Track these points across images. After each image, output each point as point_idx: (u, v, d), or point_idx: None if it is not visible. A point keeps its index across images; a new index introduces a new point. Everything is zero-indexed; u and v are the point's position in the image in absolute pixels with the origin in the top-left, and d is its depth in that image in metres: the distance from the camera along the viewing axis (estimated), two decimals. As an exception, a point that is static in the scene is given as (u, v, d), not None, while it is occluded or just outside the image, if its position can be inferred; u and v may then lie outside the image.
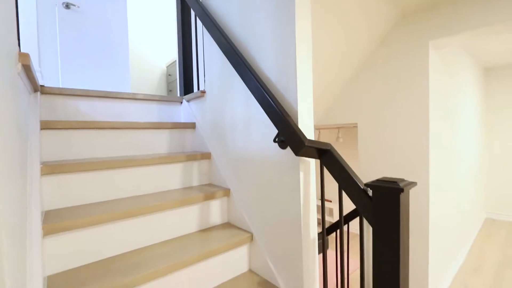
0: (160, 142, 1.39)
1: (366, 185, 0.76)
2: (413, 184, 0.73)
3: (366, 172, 2.05)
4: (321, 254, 1.12)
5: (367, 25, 1.70)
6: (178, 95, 1.72)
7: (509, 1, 1.41)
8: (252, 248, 1.19)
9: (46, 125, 1.10)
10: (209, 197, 1.21)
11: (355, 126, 2.33)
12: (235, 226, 1.25)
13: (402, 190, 0.67)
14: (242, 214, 1.22)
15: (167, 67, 3.31)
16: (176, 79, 1.82)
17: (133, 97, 1.45)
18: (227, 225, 1.28)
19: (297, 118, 0.97)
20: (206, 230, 1.21)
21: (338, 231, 1.56)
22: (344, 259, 2.75)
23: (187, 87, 1.63)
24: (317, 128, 2.97)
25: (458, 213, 2.44)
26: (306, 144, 0.88)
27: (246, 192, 1.20)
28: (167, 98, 1.55)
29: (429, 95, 1.68)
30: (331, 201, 3.79)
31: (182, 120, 1.62)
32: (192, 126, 1.47)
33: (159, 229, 1.08)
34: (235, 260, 1.15)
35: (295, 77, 0.96)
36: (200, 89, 1.46)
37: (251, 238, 1.18)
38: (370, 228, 0.86)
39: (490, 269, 2.28)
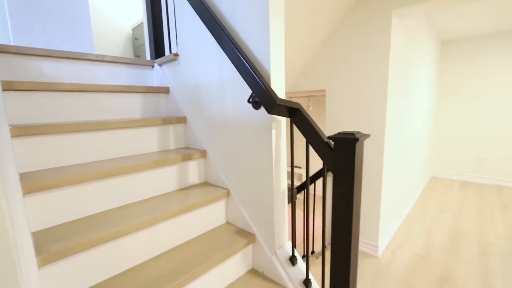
0: (133, 106, 1.38)
1: (329, 138, 0.87)
2: (367, 135, 0.86)
3: (331, 133, 2.23)
4: (291, 204, 1.26)
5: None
6: (149, 58, 1.66)
7: None
8: (229, 202, 1.30)
9: (7, 86, 1.04)
10: (186, 158, 1.26)
11: (323, 94, 2.44)
12: (212, 184, 1.34)
13: (357, 139, 0.79)
14: (218, 173, 1.31)
15: (132, 29, 3.07)
16: (145, 43, 1.72)
17: (101, 59, 1.38)
18: (205, 184, 1.36)
19: (269, 79, 1.03)
20: (185, 189, 1.28)
21: (305, 191, 1.73)
22: (310, 208, 3.05)
23: (158, 50, 1.58)
24: (289, 96, 3.06)
25: (408, 171, 2.78)
26: (277, 102, 0.95)
27: (222, 153, 1.27)
28: (137, 61, 1.50)
29: (389, 62, 1.82)
30: (300, 167, 4.05)
31: (155, 85, 1.60)
32: (166, 90, 1.47)
33: (139, 188, 1.13)
34: (213, 214, 1.25)
35: (268, 40, 1.00)
36: (173, 52, 1.43)
37: (228, 193, 1.28)
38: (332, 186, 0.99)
39: (429, 217, 2.70)
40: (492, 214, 2.74)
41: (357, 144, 0.81)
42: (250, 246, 1.22)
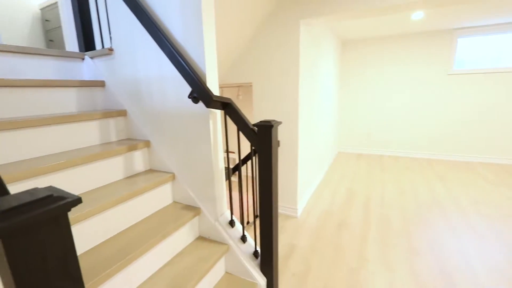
0: (68, 101, 1.38)
1: (253, 125, 1.19)
2: (279, 122, 1.21)
3: (258, 119, 2.60)
4: (228, 181, 1.56)
5: (255, 2, 2.03)
6: (77, 50, 1.62)
7: None
8: (175, 184, 1.50)
9: None
10: (131, 148, 1.39)
11: (251, 85, 2.78)
12: (158, 171, 1.51)
13: (272, 126, 1.12)
14: (163, 160, 1.48)
15: (42, 9, 2.67)
16: (61, 26, 1.61)
17: (22, 51, 1.32)
18: (150, 171, 1.51)
19: (205, 79, 1.26)
20: (132, 177, 1.41)
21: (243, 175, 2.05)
22: (243, 185, 3.44)
23: (88, 43, 1.57)
24: (220, 87, 3.28)
25: (319, 147, 3.45)
26: (214, 98, 1.20)
27: (166, 142, 1.45)
28: (66, 54, 1.46)
29: (299, 60, 2.26)
30: (234, 152, 4.39)
31: (86, 78, 1.59)
32: (101, 84, 1.51)
33: (86, 180, 1.21)
34: (161, 195, 1.44)
35: (203, 46, 1.22)
36: (106, 46, 1.47)
37: (173, 177, 1.48)
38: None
39: (333, 183, 3.47)
40: (374, 176, 3.70)
41: (273, 129, 1.15)
42: (197, 217, 1.47)
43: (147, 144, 1.48)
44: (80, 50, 1.59)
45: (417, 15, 3.05)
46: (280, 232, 2.35)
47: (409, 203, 2.81)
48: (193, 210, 1.43)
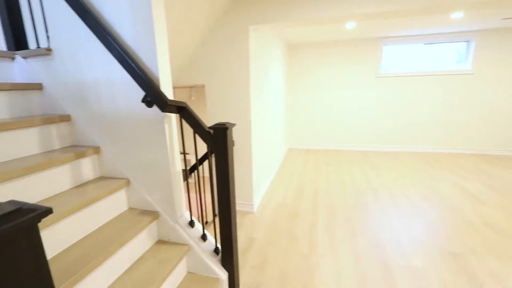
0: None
1: (209, 128, 1.25)
2: (233, 124, 1.29)
3: (213, 122, 2.65)
4: (185, 182, 1.58)
5: (207, 5, 2.07)
6: (6, 48, 1.44)
7: (307, 5, 2.19)
8: (130, 190, 1.46)
9: None
10: (79, 155, 1.32)
11: (204, 87, 2.80)
12: (110, 177, 1.45)
13: (227, 128, 1.21)
14: (116, 166, 1.43)
15: None
16: None
17: None
18: (101, 178, 1.45)
19: (159, 82, 1.27)
20: (81, 186, 1.34)
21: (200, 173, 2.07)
22: (201, 186, 3.44)
23: (19, 41, 1.42)
24: (173, 87, 3.21)
25: (271, 146, 3.65)
26: (168, 103, 1.23)
27: (119, 147, 1.41)
28: (-8, 53, 1.30)
29: (249, 63, 2.38)
30: (188, 154, 4.33)
31: (18, 80, 1.43)
32: (38, 87, 1.37)
33: (28, 193, 1.12)
34: (115, 203, 1.39)
35: (155, 49, 1.23)
36: (43, 46, 1.35)
37: (128, 183, 1.45)
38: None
39: (286, 178, 3.72)
40: (320, 169, 4.08)
41: (228, 131, 1.23)
42: (155, 222, 1.47)
43: (96, 150, 1.42)
44: (9, 48, 1.42)
45: (350, 25, 3.46)
46: (238, 227, 2.45)
47: (349, 191, 3.19)
48: (151, 214, 1.43)
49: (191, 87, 3.69)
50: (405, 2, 1.96)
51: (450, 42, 4.33)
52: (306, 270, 1.85)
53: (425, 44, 4.41)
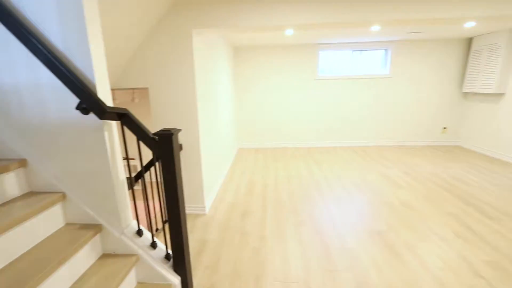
0: None
1: (154, 134, 1.25)
2: (179, 130, 1.32)
3: (159, 125, 2.57)
4: (131, 190, 1.54)
5: (146, 6, 2.00)
6: None
7: (248, 13, 2.27)
8: (66, 204, 1.36)
9: None
10: (1, 170, 1.17)
11: (147, 89, 2.68)
12: (41, 192, 1.32)
13: (173, 134, 1.23)
14: (48, 179, 1.31)
15: None
16: None
17: None
18: (31, 193, 1.31)
19: (95, 89, 1.22)
20: (5, 204, 1.20)
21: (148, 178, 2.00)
22: (148, 192, 3.30)
23: None
24: (112, 89, 2.97)
25: (221, 146, 3.71)
26: (107, 110, 1.18)
27: (51, 158, 1.29)
28: None
29: (194, 66, 2.39)
30: (134, 159, 4.08)
31: None
32: None
33: None
34: (49, 219, 1.28)
35: (89, 53, 1.17)
36: None
37: (63, 197, 1.34)
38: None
39: (237, 176, 3.82)
40: (269, 166, 4.30)
41: (173, 137, 1.25)
42: (98, 235, 1.39)
43: (22, 163, 1.28)
44: None
45: (289, 32, 3.73)
46: (191, 230, 2.44)
47: (296, 185, 3.46)
48: (93, 228, 1.35)
49: (133, 89, 3.49)
50: (331, 16, 2.23)
51: (372, 50, 5.00)
52: (258, 263, 1.97)
53: (353, 51, 5.01)
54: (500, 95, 4.28)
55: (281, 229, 2.43)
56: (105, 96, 1.28)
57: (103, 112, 1.17)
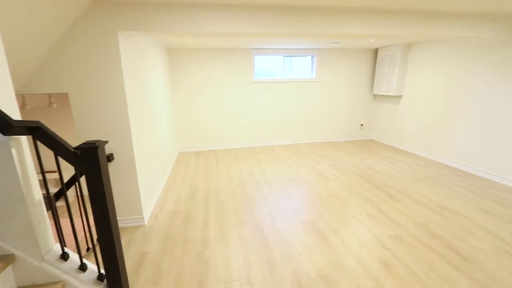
0: None
1: (75, 148, 1.16)
2: (105, 142, 1.25)
3: (85, 135, 2.32)
4: (52, 209, 1.38)
5: (60, 4, 1.79)
6: None
7: (177, 18, 2.22)
8: (-39, 236, 1.14)
9: None
10: None
11: (67, 95, 2.36)
12: None
13: (97, 147, 1.16)
14: None
15: None
16: None
17: None
18: None
19: (-4, 102, 1.06)
20: None
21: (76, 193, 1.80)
22: (76, 210, 2.96)
23: None
24: (26, 94, 2.51)
25: (158, 153, 3.56)
26: (13, 124, 1.05)
27: None
28: None
29: (122, 70, 2.23)
30: (56, 171, 3.57)
31: None
32: None
33: None
34: None
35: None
36: None
37: (-44, 227, 1.13)
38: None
39: (178, 182, 3.72)
40: (211, 169, 4.31)
41: (99, 150, 1.19)
42: (9, 267, 1.22)
43: None
44: None
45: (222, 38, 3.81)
46: (128, 245, 2.30)
47: (237, 185, 3.57)
48: (3, 260, 1.18)
49: (50, 93, 3.04)
50: (264, 27, 2.40)
51: (301, 56, 5.49)
52: (201, 267, 1.99)
53: (284, 56, 5.41)
54: (399, 97, 5.24)
55: (224, 231, 2.49)
56: (10, 107, 1.13)
57: (9, 127, 1.04)
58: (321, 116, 5.86)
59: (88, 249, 2.24)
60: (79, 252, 1.40)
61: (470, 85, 3.84)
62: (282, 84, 5.52)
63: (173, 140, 4.83)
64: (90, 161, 1.17)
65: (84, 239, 2.37)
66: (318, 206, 2.94)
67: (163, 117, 3.98)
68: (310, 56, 5.54)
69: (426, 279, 1.83)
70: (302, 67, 5.63)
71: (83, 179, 2.76)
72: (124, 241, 2.37)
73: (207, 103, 5.33)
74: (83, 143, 1.17)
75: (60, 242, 1.36)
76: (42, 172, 1.23)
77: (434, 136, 4.49)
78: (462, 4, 2.49)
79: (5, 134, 1.05)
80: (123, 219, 2.59)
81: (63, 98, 3.45)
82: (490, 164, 3.63)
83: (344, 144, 5.79)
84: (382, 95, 5.78)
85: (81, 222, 2.51)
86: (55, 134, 1.19)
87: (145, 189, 2.76)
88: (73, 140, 3.40)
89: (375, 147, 5.50)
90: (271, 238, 2.35)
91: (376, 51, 5.67)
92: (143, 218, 2.62)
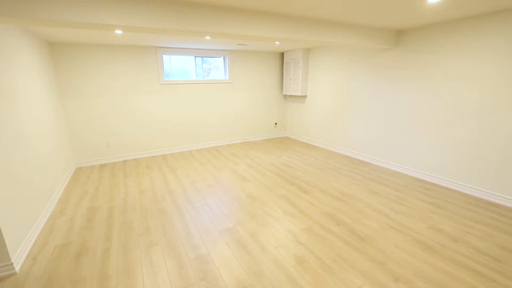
0: None
1: None
2: None
3: None
4: None
5: None
6: None
7: (57, 2, 1.69)
8: None
9: None
10: None
11: None
12: None
13: None
14: None
15: None
16: None
17: None
18: None
19: None
20: None
21: None
22: None
23: None
24: None
25: (34, 175, 2.81)
26: None
27: None
28: None
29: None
30: None
31: None
32: None
33: None
34: None
35: None
36: None
37: None
38: None
39: (71, 206, 3.05)
40: (118, 184, 3.72)
41: None
42: None
43: None
44: None
45: (119, 31, 3.30)
46: (-16, 310, 1.68)
47: (149, 200, 3.18)
48: None
49: None
50: (167, 22, 2.14)
51: (213, 57, 5.38)
52: (98, 313, 1.63)
53: (195, 57, 5.18)
54: (304, 96, 5.79)
55: (129, 259, 2.14)
56: None
57: None
58: (238, 116, 5.91)
59: None
60: None
61: (355, 85, 4.54)
62: (196, 85, 5.28)
63: (64, 154, 3.94)
64: None
65: None
66: (237, 210, 2.90)
67: (44, 125, 3.17)
68: (222, 58, 5.49)
69: (334, 267, 2.00)
70: (217, 68, 5.53)
71: None
72: (-21, 303, 1.73)
73: (110, 107, 4.60)
74: None
75: None
76: None
77: (333, 131, 5.15)
78: (343, 16, 2.86)
79: None
80: (-23, 273, 1.90)
81: None
82: (375, 151, 4.40)
83: (261, 142, 6.01)
84: (290, 95, 6.27)
85: None
86: None
87: (12, 227, 2.10)
88: None
89: (288, 143, 5.93)
90: (186, 256, 2.15)
91: (282, 54, 6.08)
92: (11, 265, 1.99)
